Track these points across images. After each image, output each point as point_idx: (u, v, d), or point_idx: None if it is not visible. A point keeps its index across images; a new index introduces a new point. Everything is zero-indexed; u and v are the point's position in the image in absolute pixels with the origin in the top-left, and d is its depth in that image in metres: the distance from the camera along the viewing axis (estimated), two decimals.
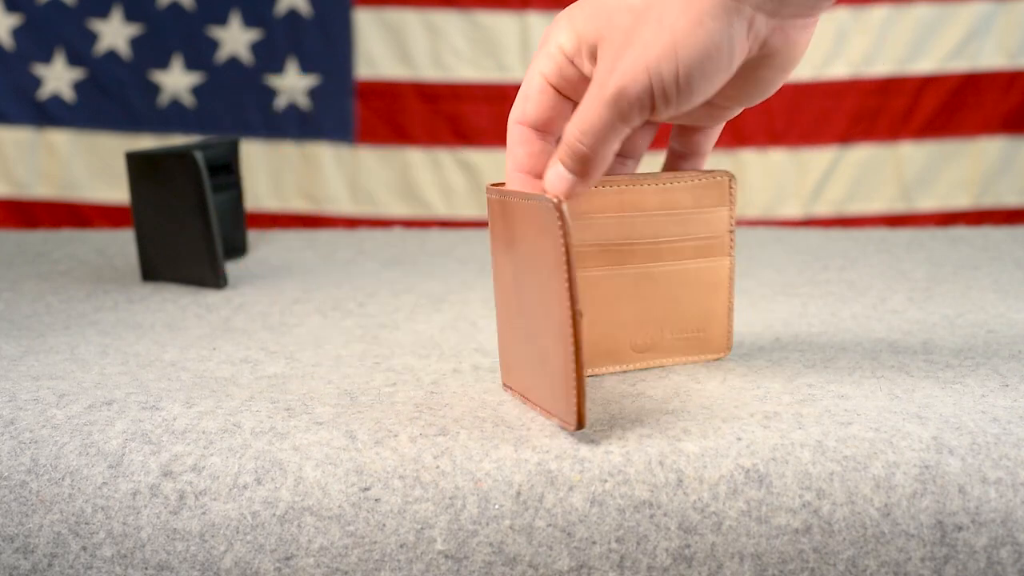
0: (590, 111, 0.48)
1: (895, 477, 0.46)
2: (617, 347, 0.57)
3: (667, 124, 0.56)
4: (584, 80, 0.50)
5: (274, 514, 0.46)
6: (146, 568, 0.47)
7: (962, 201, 1.65)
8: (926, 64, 1.61)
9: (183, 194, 0.81)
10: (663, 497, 0.46)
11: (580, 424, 0.47)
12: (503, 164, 1.64)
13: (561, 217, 0.46)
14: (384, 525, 0.46)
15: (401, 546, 0.46)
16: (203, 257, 0.82)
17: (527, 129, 0.52)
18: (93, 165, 1.66)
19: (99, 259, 0.95)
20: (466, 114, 1.64)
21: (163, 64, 1.64)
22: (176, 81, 1.65)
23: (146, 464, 0.48)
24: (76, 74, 1.64)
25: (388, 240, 1.06)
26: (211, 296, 0.79)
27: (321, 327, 0.70)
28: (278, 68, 1.64)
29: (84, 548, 0.47)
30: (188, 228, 0.82)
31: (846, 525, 0.45)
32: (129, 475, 0.48)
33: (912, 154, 1.64)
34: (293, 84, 1.64)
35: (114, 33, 1.63)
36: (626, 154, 0.56)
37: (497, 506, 0.46)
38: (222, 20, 1.63)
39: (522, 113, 0.52)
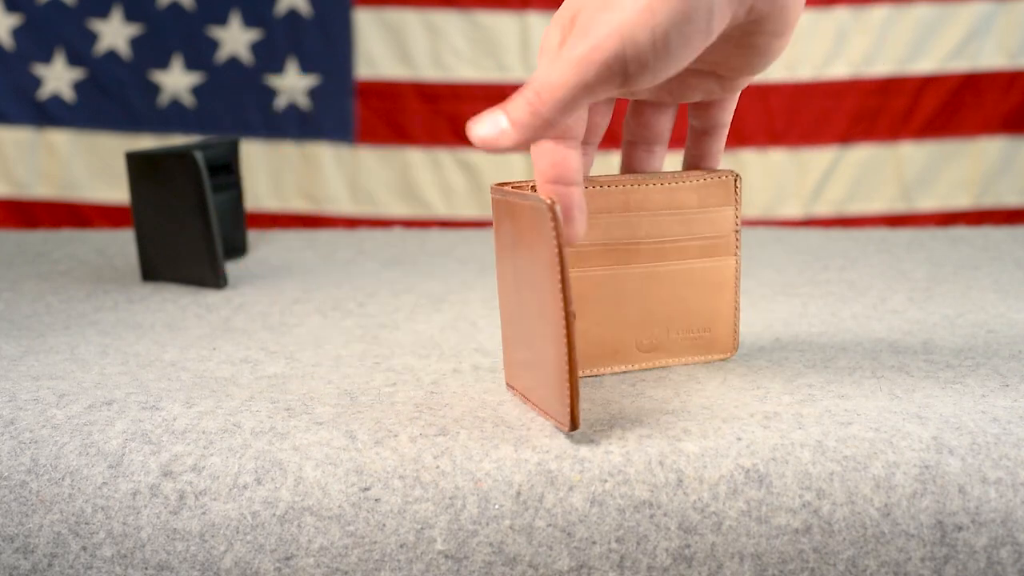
0: (554, 68, 0.46)
1: (895, 477, 0.46)
2: (622, 347, 0.57)
3: (683, 106, 0.56)
4: None
5: (274, 514, 0.46)
6: (146, 568, 0.47)
7: (962, 201, 1.65)
8: (926, 64, 1.61)
9: (183, 194, 0.81)
10: (663, 497, 0.46)
11: (574, 425, 0.47)
12: (503, 164, 1.64)
13: (554, 218, 0.46)
14: (384, 525, 0.46)
15: (401, 546, 0.46)
16: (203, 257, 0.82)
17: (543, 140, 0.51)
18: (93, 165, 1.66)
19: (99, 259, 0.95)
20: (466, 114, 1.64)
21: (163, 64, 1.64)
22: (176, 81, 1.65)
23: (146, 464, 0.48)
24: (76, 74, 1.64)
25: (388, 240, 1.06)
26: (211, 296, 0.79)
27: (321, 327, 0.70)
28: (278, 68, 1.64)
29: (84, 548, 0.47)
30: (188, 228, 0.82)
31: (846, 525, 0.45)
32: (129, 475, 0.48)
33: (912, 154, 1.64)
34: (293, 84, 1.64)
35: (114, 33, 1.63)
36: (652, 140, 0.55)
37: (497, 506, 0.46)
38: (222, 20, 1.63)
39: None
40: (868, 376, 0.57)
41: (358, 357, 0.62)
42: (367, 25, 1.63)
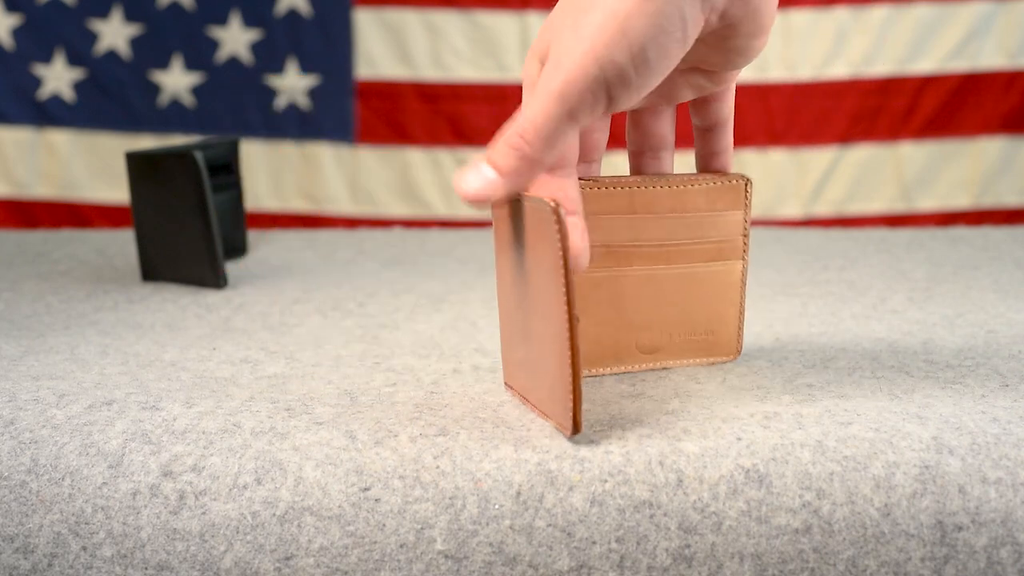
0: (536, 108, 0.46)
1: (895, 477, 0.46)
2: (622, 348, 0.57)
3: (683, 105, 0.56)
4: None
5: (274, 514, 0.46)
6: (146, 568, 0.47)
7: (962, 201, 1.65)
8: (926, 64, 1.61)
9: (183, 194, 0.81)
10: (663, 497, 0.46)
11: (576, 429, 0.47)
12: None
13: (559, 221, 0.45)
14: (384, 525, 0.46)
15: (401, 546, 0.46)
16: (203, 257, 0.82)
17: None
18: (93, 165, 1.66)
19: (99, 259, 0.95)
20: (466, 114, 1.64)
21: (163, 64, 1.64)
22: (176, 81, 1.65)
23: (146, 464, 0.48)
24: (76, 74, 1.64)
25: (388, 240, 1.06)
26: (211, 296, 0.79)
27: (321, 327, 0.70)
28: (278, 68, 1.64)
29: (84, 548, 0.47)
30: (188, 228, 0.82)
31: (846, 525, 0.45)
32: (129, 475, 0.48)
33: (912, 154, 1.64)
34: (293, 84, 1.64)
35: (114, 33, 1.63)
36: (657, 147, 0.55)
37: (497, 506, 0.46)
38: (222, 20, 1.63)
39: None
40: (868, 376, 0.57)
41: (358, 357, 0.62)
42: (367, 25, 1.63)
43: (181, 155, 0.81)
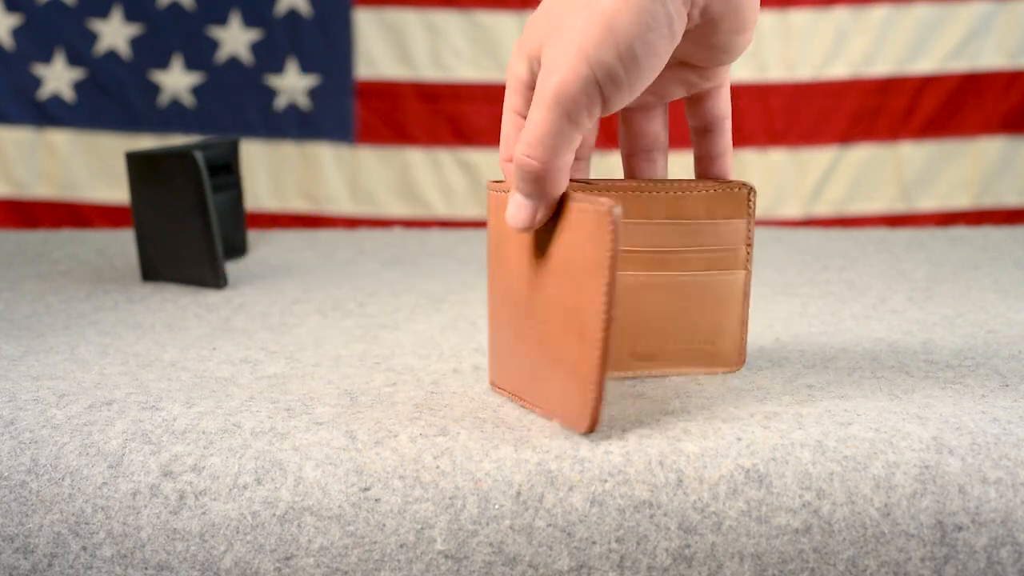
0: (533, 118, 0.46)
1: (895, 477, 0.46)
2: (616, 353, 0.55)
3: (679, 108, 0.55)
4: None
5: (274, 514, 0.46)
6: (146, 568, 0.47)
7: (962, 201, 1.65)
8: (926, 64, 1.61)
9: (183, 194, 0.81)
10: (663, 497, 0.46)
11: (593, 427, 0.47)
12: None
13: (613, 223, 0.45)
14: (384, 525, 0.46)
15: (401, 546, 0.46)
16: (203, 257, 0.82)
17: None
18: (93, 165, 1.66)
19: (99, 259, 0.95)
20: (466, 114, 1.64)
21: (163, 64, 1.64)
22: (176, 81, 1.65)
23: (146, 464, 0.48)
24: (76, 74, 1.64)
25: (388, 240, 1.06)
26: (211, 296, 0.79)
27: (321, 327, 0.70)
28: (278, 68, 1.64)
29: (84, 548, 0.47)
30: (188, 228, 0.82)
31: (846, 525, 0.45)
32: (129, 475, 0.48)
33: (912, 154, 1.64)
34: (293, 84, 1.64)
35: (114, 33, 1.63)
36: (649, 147, 0.55)
37: (497, 506, 0.46)
38: (222, 20, 1.63)
39: (506, 153, 0.51)
40: (868, 376, 0.57)
41: (358, 357, 0.62)
42: (367, 25, 1.63)
43: (181, 155, 0.81)
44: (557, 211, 0.49)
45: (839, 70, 1.62)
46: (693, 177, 0.56)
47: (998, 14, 1.60)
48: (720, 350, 0.57)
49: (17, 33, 1.62)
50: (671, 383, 0.56)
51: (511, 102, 0.50)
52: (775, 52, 1.61)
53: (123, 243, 1.01)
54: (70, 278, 0.86)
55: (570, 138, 0.46)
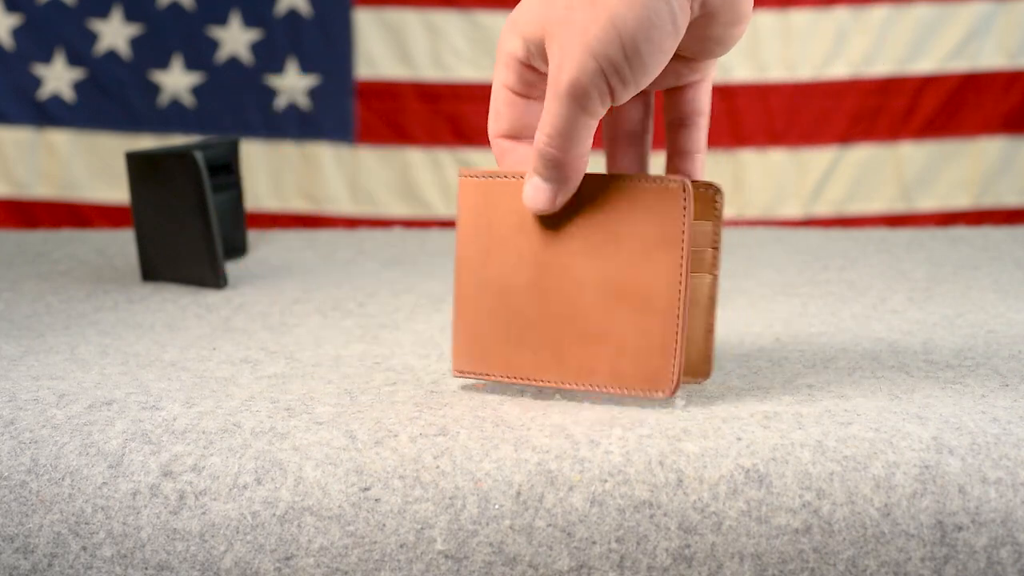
0: (550, 110, 0.48)
1: (895, 477, 0.46)
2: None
3: (658, 94, 0.55)
4: (544, 79, 0.50)
5: (274, 514, 0.46)
6: (146, 568, 0.47)
7: (962, 201, 1.65)
8: (926, 64, 1.61)
9: (183, 194, 0.81)
10: (663, 497, 0.46)
11: (675, 390, 0.49)
12: None
13: (687, 197, 0.48)
14: (384, 525, 0.46)
15: (401, 546, 0.46)
16: (203, 257, 0.82)
17: (507, 141, 0.52)
18: (93, 165, 1.66)
19: (99, 259, 0.95)
20: (466, 114, 1.64)
21: (163, 64, 1.64)
22: (176, 81, 1.65)
23: (146, 464, 0.48)
24: (76, 74, 1.64)
25: (388, 240, 1.06)
26: (211, 296, 0.79)
27: (321, 327, 0.70)
28: (278, 68, 1.64)
29: (84, 548, 0.47)
30: (188, 228, 0.82)
31: (846, 525, 0.45)
32: (129, 475, 0.48)
33: (912, 154, 1.64)
34: (293, 84, 1.64)
35: (114, 33, 1.63)
36: (632, 135, 0.54)
37: (497, 506, 0.46)
38: (222, 20, 1.64)
39: (497, 128, 0.52)
40: (868, 376, 0.57)
41: (358, 357, 0.62)
42: (367, 25, 1.63)
43: (181, 155, 0.81)
44: (589, 195, 0.50)
45: (839, 70, 1.62)
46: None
47: (998, 14, 1.60)
48: (686, 358, 0.54)
49: (17, 33, 1.62)
50: None
51: (503, 77, 0.51)
52: (775, 52, 1.62)
53: (123, 243, 1.01)
54: (70, 278, 0.86)
55: (587, 126, 0.48)
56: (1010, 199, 1.65)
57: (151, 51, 1.64)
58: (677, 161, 0.54)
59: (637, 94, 0.53)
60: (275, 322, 0.72)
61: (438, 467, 0.47)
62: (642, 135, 0.55)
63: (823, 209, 1.65)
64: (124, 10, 1.63)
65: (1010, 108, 1.62)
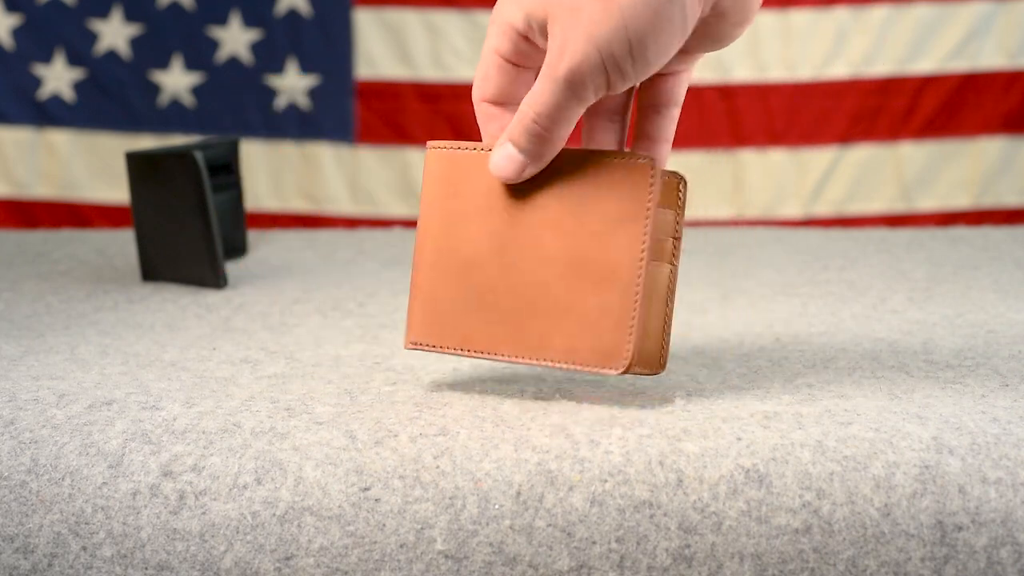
0: (544, 91, 0.49)
1: (895, 477, 0.46)
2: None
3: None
4: (539, 52, 0.50)
5: (274, 514, 0.46)
6: (146, 568, 0.47)
7: (962, 201, 1.65)
8: (926, 64, 1.61)
9: (183, 194, 0.81)
10: (663, 497, 0.46)
11: (629, 367, 0.49)
12: None
13: (654, 175, 0.49)
14: (384, 525, 0.46)
15: (401, 546, 0.46)
16: (203, 257, 0.82)
17: (492, 106, 0.52)
18: (93, 165, 1.66)
19: (99, 259, 0.95)
20: (466, 114, 1.63)
21: (163, 64, 1.64)
22: (176, 81, 1.65)
23: (146, 464, 0.48)
24: (76, 74, 1.64)
25: (388, 240, 1.06)
26: (211, 296, 0.80)
27: (321, 327, 0.70)
28: (278, 68, 1.64)
29: (84, 548, 0.47)
30: (188, 228, 0.82)
31: (846, 525, 0.45)
32: (129, 475, 0.48)
33: (912, 154, 1.64)
34: (293, 84, 1.64)
35: (114, 33, 1.63)
36: (612, 112, 0.54)
37: (497, 506, 0.46)
38: (222, 20, 1.63)
39: (484, 92, 0.52)
40: (868, 376, 0.57)
41: (358, 357, 0.62)
42: (367, 25, 1.63)
43: (181, 155, 0.81)
44: (556, 169, 0.51)
45: (839, 70, 1.62)
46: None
47: (998, 14, 1.60)
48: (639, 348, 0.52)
49: (17, 33, 1.62)
50: (670, 383, 0.56)
51: (497, 44, 0.51)
52: (775, 52, 1.61)
53: (123, 243, 1.01)
54: (70, 278, 0.86)
55: (576, 112, 0.49)
56: (1010, 199, 1.65)
57: (151, 51, 1.64)
58: (643, 145, 0.54)
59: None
60: (275, 322, 0.72)
61: (438, 467, 0.47)
62: (623, 113, 0.55)
63: (823, 209, 1.65)
64: (124, 10, 1.63)
65: (1010, 108, 1.62)
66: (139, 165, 0.86)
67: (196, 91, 1.65)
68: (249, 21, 1.64)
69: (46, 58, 1.63)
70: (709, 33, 0.50)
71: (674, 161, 0.58)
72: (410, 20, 1.62)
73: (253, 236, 1.05)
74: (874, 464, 0.46)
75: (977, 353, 0.61)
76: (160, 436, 0.49)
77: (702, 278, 0.84)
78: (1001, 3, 1.59)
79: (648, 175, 0.49)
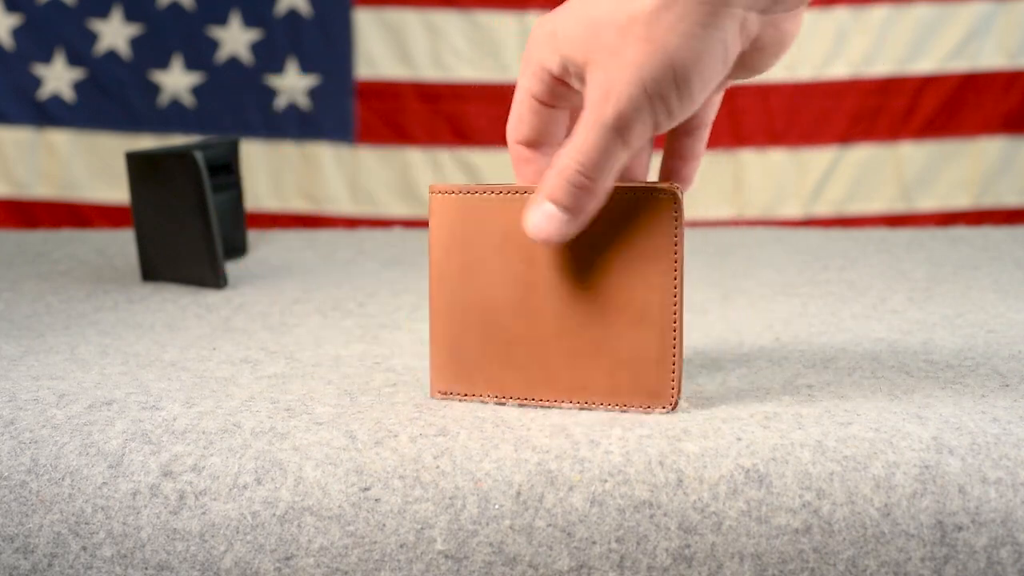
0: (588, 138, 0.47)
1: (895, 477, 0.46)
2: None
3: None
4: (574, 92, 0.49)
5: (274, 514, 0.46)
6: (146, 568, 0.47)
7: (962, 201, 1.65)
8: (926, 64, 1.61)
9: (183, 194, 0.82)
10: (663, 497, 0.46)
11: (675, 405, 0.50)
12: (503, 164, 1.64)
13: (677, 207, 0.49)
14: (384, 525, 0.46)
15: (401, 546, 0.46)
16: (203, 257, 0.82)
17: (526, 149, 0.51)
18: (93, 165, 1.66)
19: (99, 259, 0.95)
20: (466, 114, 1.64)
21: (163, 64, 1.64)
22: (176, 81, 1.65)
23: (146, 464, 0.48)
24: (76, 74, 1.64)
25: (388, 240, 1.06)
26: (211, 296, 0.80)
27: (321, 327, 0.70)
28: (278, 68, 1.64)
29: (84, 548, 0.47)
30: (188, 228, 0.82)
31: (846, 525, 0.45)
32: (129, 475, 0.48)
33: (912, 154, 1.64)
34: (293, 84, 1.64)
35: (114, 33, 1.63)
36: (643, 147, 0.54)
37: (497, 506, 0.46)
38: (222, 20, 1.64)
39: (518, 134, 0.51)
40: (868, 376, 0.57)
41: (358, 357, 0.62)
42: (367, 25, 1.63)
43: (181, 155, 0.81)
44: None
45: (839, 70, 1.62)
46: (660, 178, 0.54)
47: (998, 14, 1.60)
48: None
49: (17, 33, 1.62)
50: None
51: (531, 86, 0.50)
52: None
53: (123, 243, 1.01)
54: (70, 278, 0.86)
55: (621, 158, 0.48)
56: (1010, 199, 1.65)
57: (151, 51, 1.64)
58: (673, 162, 0.55)
59: None
60: (275, 322, 0.72)
61: (438, 467, 0.47)
62: (645, 147, 0.55)
63: (823, 209, 1.65)
64: (124, 10, 1.63)
65: (1010, 108, 1.62)
66: (139, 165, 0.86)
67: (196, 91, 1.65)
68: (249, 21, 1.64)
69: (46, 58, 1.63)
70: (746, 64, 0.49)
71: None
72: (410, 20, 1.63)
73: (253, 236, 1.05)
74: (874, 464, 0.46)
75: (977, 353, 0.61)
76: (160, 436, 0.49)
77: (702, 278, 0.84)
78: (1001, 3, 1.59)
79: (671, 208, 0.49)
